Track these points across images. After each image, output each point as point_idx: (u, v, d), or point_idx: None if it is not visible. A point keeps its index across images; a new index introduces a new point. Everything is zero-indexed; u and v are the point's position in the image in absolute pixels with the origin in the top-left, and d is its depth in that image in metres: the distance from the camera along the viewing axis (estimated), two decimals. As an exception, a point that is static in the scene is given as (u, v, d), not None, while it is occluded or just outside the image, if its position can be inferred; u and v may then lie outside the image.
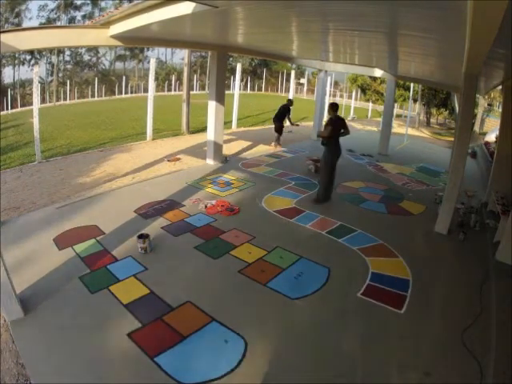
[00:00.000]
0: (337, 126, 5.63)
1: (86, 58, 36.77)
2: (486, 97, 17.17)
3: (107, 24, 5.05)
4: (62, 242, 4.12)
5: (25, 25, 30.47)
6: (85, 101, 27.65)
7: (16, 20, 30.13)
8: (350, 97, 29.07)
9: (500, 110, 11.58)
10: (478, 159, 11.73)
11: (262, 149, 10.26)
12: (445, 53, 4.82)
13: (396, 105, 23.27)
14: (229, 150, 9.54)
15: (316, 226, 5.03)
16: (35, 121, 7.79)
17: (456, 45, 3.41)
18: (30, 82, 27.88)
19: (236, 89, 14.70)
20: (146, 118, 10.93)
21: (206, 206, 5.33)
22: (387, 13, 3.08)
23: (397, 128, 17.76)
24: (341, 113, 21.88)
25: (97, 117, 16.45)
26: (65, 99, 27.90)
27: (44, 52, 32.11)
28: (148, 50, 37.34)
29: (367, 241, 4.67)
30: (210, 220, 4.97)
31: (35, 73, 8.27)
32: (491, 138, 12.16)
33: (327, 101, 18.11)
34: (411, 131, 17.82)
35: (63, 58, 34.65)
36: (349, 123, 6.15)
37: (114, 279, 3.44)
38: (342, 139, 5.83)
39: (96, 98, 29.09)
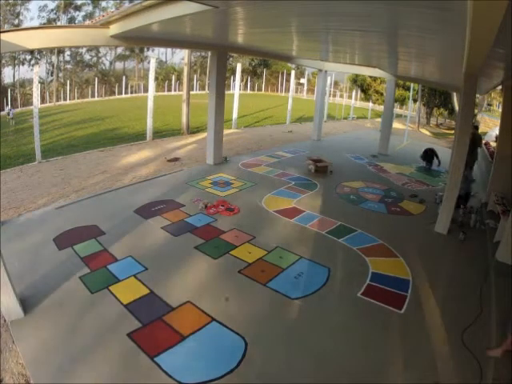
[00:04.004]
0: None
1: (87, 57, 36.79)
2: (486, 96, 17.18)
3: (107, 24, 5.05)
4: (62, 241, 4.12)
5: (25, 25, 30.47)
6: (85, 101, 27.65)
7: (16, 21, 30.12)
8: (350, 97, 29.07)
9: (500, 109, 11.58)
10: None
11: (262, 148, 10.26)
12: (445, 53, 4.82)
13: (396, 105, 23.29)
14: (229, 149, 9.54)
15: (316, 226, 5.03)
16: (35, 120, 7.80)
17: (456, 45, 3.41)
18: (30, 81, 27.87)
19: (236, 89, 14.70)
20: (146, 118, 10.93)
21: (205, 206, 5.33)
22: (388, 13, 3.07)
23: (396, 124, 17.77)
24: (341, 113, 21.92)
25: (96, 116, 16.46)
26: (65, 99, 27.90)
27: (44, 52, 32.06)
28: (148, 49, 37.27)
29: (367, 241, 4.67)
30: (210, 220, 4.97)
31: (35, 73, 8.27)
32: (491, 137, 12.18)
33: (327, 101, 18.13)
34: (411, 131, 17.81)
35: (63, 57, 34.65)
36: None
37: (114, 279, 3.44)
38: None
39: (96, 98, 29.09)
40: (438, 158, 9.47)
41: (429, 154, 9.49)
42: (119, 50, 37.90)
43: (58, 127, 13.97)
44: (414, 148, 12.92)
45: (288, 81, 31.92)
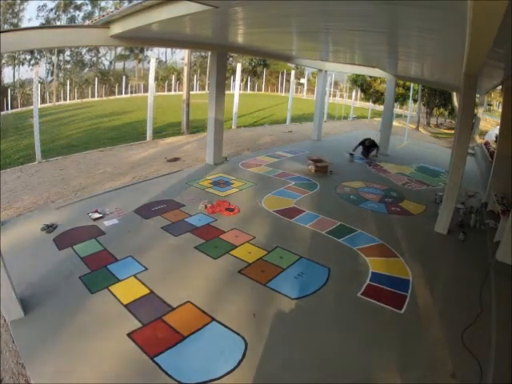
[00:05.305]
0: None
1: (87, 57, 36.74)
2: (486, 96, 17.22)
3: (107, 24, 5.05)
4: (62, 242, 4.12)
5: (24, 25, 30.44)
6: (84, 101, 27.64)
7: (15, 20, 30.09)
8: (350, 97, 29.06)
9: (500, 109, 11.57)
10: (477, 159, 11.72)
11: (262, 148, 10.26)
12: (445, 53, 4.82)
13: (396, 104, 23.27)
14: (229, 149, 9.54)
15: (316, 225, 5.03)
16: (35, 120, 7.79)
17: (456, 45, 3.41)
18: (30, 81, 27.83)
19: (236, 89, 14.70)
20: (146, 118, 10.94)
21: (205, 206, 5.33)
22: (388, 13, 3.07)
23: (396, 124, 17.80)
24: (341, 113, 21.91)
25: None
26: (64, 99, 27.87)
27: (44, 52, 32.04)
28: (148, 49, 37.25)
29: (367, 241, 4.67)
30: (210, 220, 4.97)
31: (35, 73, 8.27)
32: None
33: (327, 101, 18.13)
34: (411, 131, 17.81)
35: (63, 57, 34.60)
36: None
37: (114, 279, 3.44)
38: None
39: (96, 98, 29.07)
40: (376, 150, 9.96)
41: (367, 145, 9.79)
42: (119, 50, 37.89)
43: (57, 126, 14.03)
44: (414, 148, 12.94)
45: (288, 81, 31.92)
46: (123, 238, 4.28)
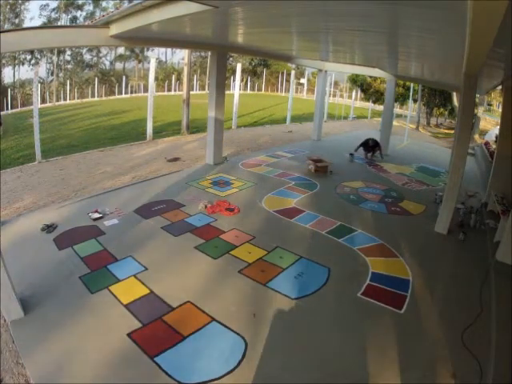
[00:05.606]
0: None
1: (87, 58, 36.76)
2: (486, 96, 17.22)
3: (107, 24, 5.05)
4: (62, 241, 4.12)
5: (26, 25, 30.44)
6: (84, 101, 27.63)
7: (16, 20, 30.10)
8: (350, 97, 29.05)
9: (500, 109, 11.57)
10: (477, 159, 11.72)
11: (262, 148, 10.26)
12: (445, 53, 4.82)
13: (396, 104, 23.27)
14: (229, 149, 9.54)
15: (316, 225, 5.03)
16: (35, 120, 7.80)
17: (456, 45, 3.42)
18: (30, 81, 27.82)
19: (236, 89, 14.70)
20: (146, 118, 10.94)
21: (205, 206, 5.33)
22: (389, 13, 3.07)
23: (396, 124, 17.81)
24: (341, 112, 21.91)
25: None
26: (65, 99, 27.87)
27: (44, 52, 32.05)
28: (148, 49, 37.27)
29: (367, 241, 4.67)
30: (210, 220, 4.97)
31: (35, 73, 8.29)
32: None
33: (327, 101, 18.13)
34: (410, 131, 17.81)
35: (63, 57, 34.62)
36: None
37: (114, 279, 3.44)
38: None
39: (96, 98, 29.07)
40: (380, 150, 9.87)
41: (371, 145, 9.77)
42: (119, 50, 37.91)
43: (57, 126, 14.06)
44: (414, 148, 12.94)
45: (288, 81, 31.91)
46: (123, 238, 4.28)
